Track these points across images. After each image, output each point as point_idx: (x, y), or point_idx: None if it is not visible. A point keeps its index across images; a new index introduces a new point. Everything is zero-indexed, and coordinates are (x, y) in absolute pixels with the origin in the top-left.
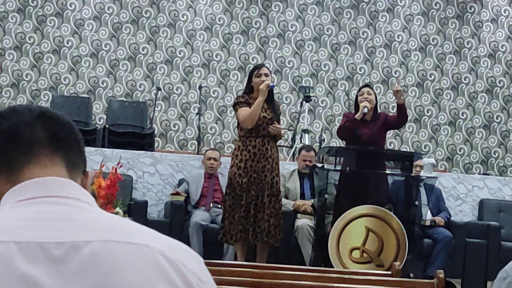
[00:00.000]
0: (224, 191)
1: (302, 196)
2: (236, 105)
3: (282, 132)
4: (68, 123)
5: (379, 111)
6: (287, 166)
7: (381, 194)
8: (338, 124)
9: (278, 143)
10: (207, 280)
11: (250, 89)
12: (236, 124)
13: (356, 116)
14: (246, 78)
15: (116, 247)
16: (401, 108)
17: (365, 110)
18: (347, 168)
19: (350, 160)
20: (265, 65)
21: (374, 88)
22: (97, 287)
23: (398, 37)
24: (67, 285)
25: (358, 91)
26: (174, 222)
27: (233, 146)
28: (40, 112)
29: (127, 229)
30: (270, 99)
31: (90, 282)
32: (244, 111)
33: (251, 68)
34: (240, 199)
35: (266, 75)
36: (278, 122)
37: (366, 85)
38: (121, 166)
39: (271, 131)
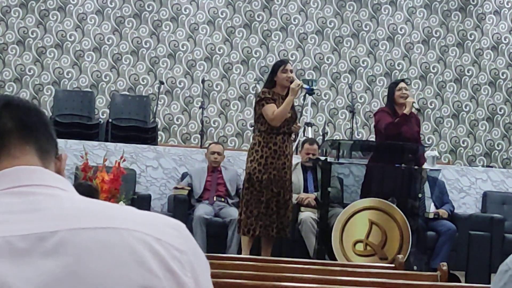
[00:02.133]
0: (227, 185)
1: (306, 189)
2: (262, 100)
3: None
4: (34, 109)
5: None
6: None
7: (380, 187)
8: (340, 118)
9: None
10: (187, 249)
11: (273, 84)
12: (238, 118)
13: (405, 112)
14: (249, 71)
15: (83, 235)
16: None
17: (416, 105)
18: (351, 162)
19: (377, 154)
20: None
21: (372, 83)
22: (62, 275)
23: (401, 30)
24: (32, 275)
25: (395, 86)
26: (178, 215)
27: (236, 140)
28: (5, 101)
29: (96, 213)
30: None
31: (55, 271)
32: (272, 107)
33: (275, 62)
34: (260, 195)
35: (291, 71)
36: (296, 119)
37: (402, 80)
38: (124, 160)
39: (293, 130)
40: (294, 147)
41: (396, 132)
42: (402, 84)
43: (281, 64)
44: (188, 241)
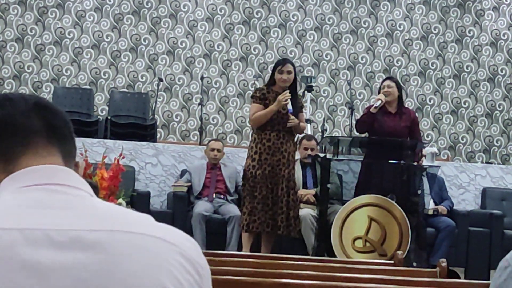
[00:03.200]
0: (227, 182)
1: (305, 186)
2: (252, 98)
3: (303, 124)
4: (61, 113)
5: (405, 105)
6: None
7: (380, 183)
8: (339, 114)
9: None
10: (204, 263)
11: (272, 82)
12: (237, 115)
13: (371, 110)
14: (248, 68)
15: (118, 236)
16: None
17: (377, 103)
18: (350, 158)
19: (369, 150)
20: (291, 61)
21: (371, 79)
22: (99, 274)
23: (399, 26)
24: (71, 270)
25: (382, 83)
26: (177, 213)
27: (235, 137)
28: (35, 101)
29: (128, 219)
30: (292, 94)
31: (93, 269)
32: (255, 108)
33: (276, 62)
34: (254, 190)
35: (289, 72)
36: (297, 116)
37: (388, 78)
38: (123, 157)
39: (290, 125)
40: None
41: (362, 128)
42: (386, 82)
43: (279, 64)
44: (202, 256)
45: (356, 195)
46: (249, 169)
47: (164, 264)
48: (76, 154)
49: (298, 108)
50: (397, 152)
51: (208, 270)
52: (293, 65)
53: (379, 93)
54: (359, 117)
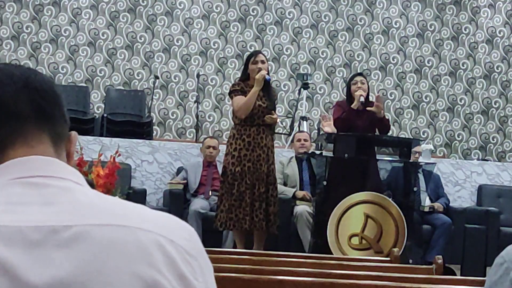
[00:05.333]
0: None
1: (301, 182)
2: (231, 93)
3: (278, 120)
4: (51, 91)
5: (373, 100)
6: (285, 154)
7: (373, 181)
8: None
9: (276, 130)
10: (197, 254)
11: (246, 76)
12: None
13: (352, 106)
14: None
15: (97, 231)
16: (382, 121)
17: (362, 99)
18: (346, 155)
19: (344, 147)
20: (262, 51)
21: (367, 76)
22: (74, 270)
23: (395, 24)
24: (43, 268)
25: (351, 79)
26: (173, 210)
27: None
28: (25, 82)
29: (111, 210)
30: (266, 87)
31: (67, 265)
32: (239, 99)
33: (247, 55)
34: (232, 187)
35: (263, 62)
36: (274, 110)
37: (359, 74)
38: (119, 155)
39: (267, 121)
40: (289, 141)
41: (344, 126)
42: (358, 78)
43: (251, 55)
44: (197, 246)
45: (326, 192)
46: (229, 166)
47: (146, 257)
48: (67, 129)
49: (273, 102)
50: (374, 149)
51: (203, 261)
52: (265, 56)
53: (349, 88)
54: (337, 115)
